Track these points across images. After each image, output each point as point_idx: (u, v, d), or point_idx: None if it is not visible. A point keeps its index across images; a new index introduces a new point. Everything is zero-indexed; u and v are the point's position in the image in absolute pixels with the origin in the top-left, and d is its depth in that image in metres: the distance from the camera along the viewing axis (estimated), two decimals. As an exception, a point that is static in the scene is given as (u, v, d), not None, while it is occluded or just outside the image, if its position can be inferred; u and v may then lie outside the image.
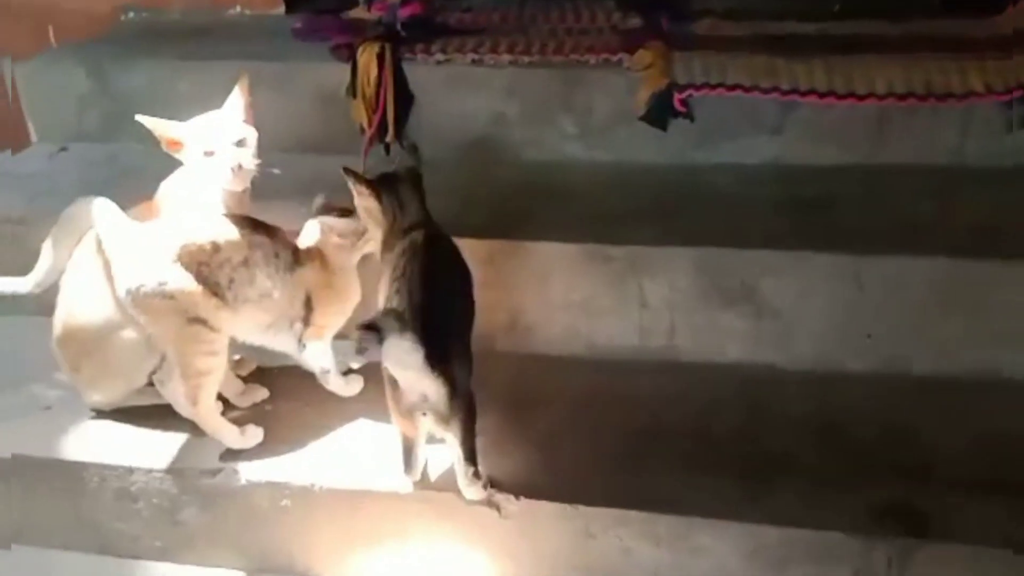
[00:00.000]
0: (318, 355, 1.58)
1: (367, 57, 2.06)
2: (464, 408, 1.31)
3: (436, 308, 1.32)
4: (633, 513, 1.34)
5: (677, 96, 1.87)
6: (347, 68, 2.12)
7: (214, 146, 1.48)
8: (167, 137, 1.50)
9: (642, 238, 1.69)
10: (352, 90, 2.09)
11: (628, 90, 1.99)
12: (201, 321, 1.43)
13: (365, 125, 2.10)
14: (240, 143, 1.50)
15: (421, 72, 2.10)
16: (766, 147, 1.98)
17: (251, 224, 1.50)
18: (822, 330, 1.65)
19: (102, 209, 1.47)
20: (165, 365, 1.53)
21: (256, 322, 1.52)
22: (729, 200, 1.85)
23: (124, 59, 2.35)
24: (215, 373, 1.47)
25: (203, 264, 1.44)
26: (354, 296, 1.59)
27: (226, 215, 1.52)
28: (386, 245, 1.46)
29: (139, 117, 1.49)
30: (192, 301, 1.42)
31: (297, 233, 1.55)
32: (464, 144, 2.09)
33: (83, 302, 1.56)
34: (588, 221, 1.79)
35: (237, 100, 1.54)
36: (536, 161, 2.09)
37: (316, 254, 1.54)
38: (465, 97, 2.11)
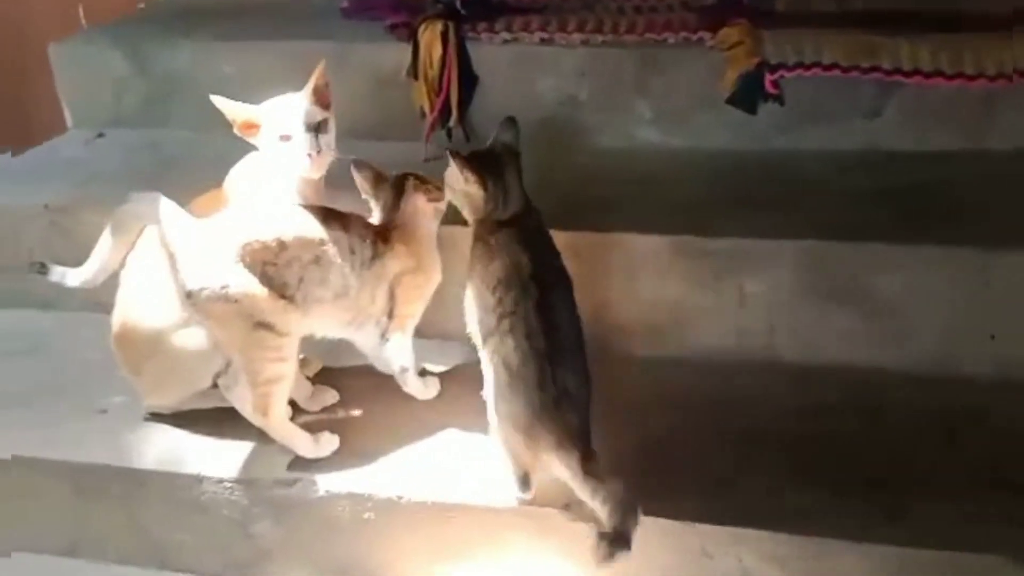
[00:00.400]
0: (400, 350, 1.48)
1: (430, 36, 1.95)
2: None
3: (564, 357, 1.24)
4: (756, 532, 1.24)
5: (768, 77, 1.76)
6: (404, 48, 2.02)
7: (291, 130, 1.38)
8: (241, 119, 1.40)
9: (741, 230, 1.58)
10: (414, 71, 1.98)
11: (710, 71, 1.88)
12: (268, 326, 1.32)
13: (427, 108, 1.99)
14: (319, 127, 1.40)
15: (485, 52, 2.00)
16: (860, 132, 1.87)
17: (323, 216, 1.40)
18: (940, 330, 1.54)
19: (163, 205, 1.37)
20: (231, 370, 1.43)
21: (333, 320, 1.43)
22: (827, 189, 1.74)
23: (163, 40, 2.25)
24: (285, 380, 1.37)
25: (268, 264, 1.33)
26: (436, 275, 1.49)
27: (295, 206, 1.42)
28: (478, 237, 1.35)
29: (213, 98, 1.39)
30: (257, 305, 1.32)
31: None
32: (532, 129, 1.92)
33: (145, 299, 1.47)
34: (676, 211, 1.69)
35: (316, 85, 1.44)
36: (610, 147, 1.99)
37: (398, 236, 1.44)
38: (533, 79, 2.00)
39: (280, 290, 1.34)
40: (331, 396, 1.57)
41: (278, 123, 1.39)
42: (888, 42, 1.76)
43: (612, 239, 1.62)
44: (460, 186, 1.34)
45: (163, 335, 1.46)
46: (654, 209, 1.70)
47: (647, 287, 1.63)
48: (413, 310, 1.47)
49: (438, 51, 1.94)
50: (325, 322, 1.43)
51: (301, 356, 1.58)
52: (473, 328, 1.34)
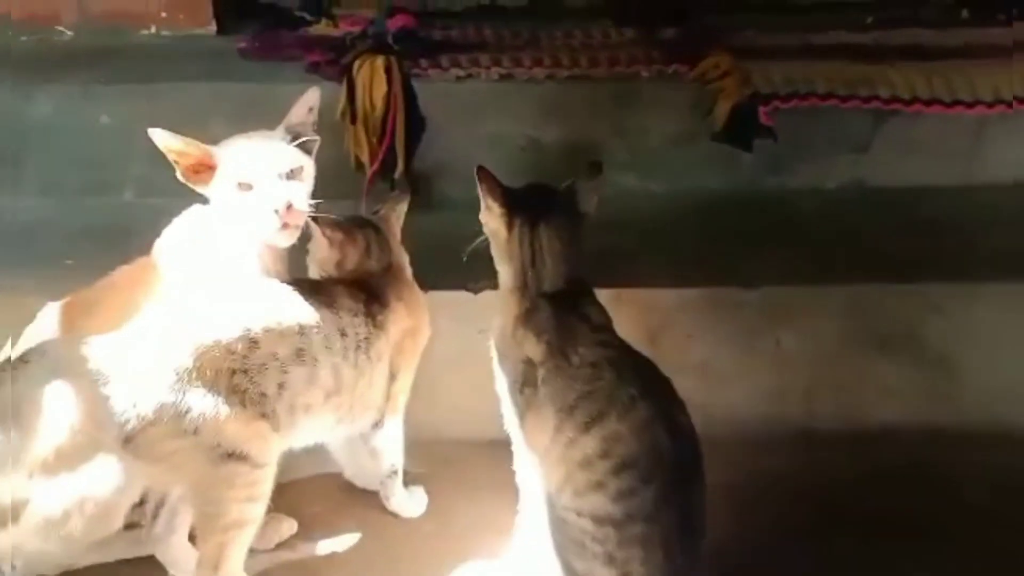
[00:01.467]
0: (392, 441, 1.20)
1: (369, 73, 1.69)
2: None
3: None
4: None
5: (763, 108, 1.63)
6: (327, 89, 1.73)
7: (255, 177, 1.06)
8: (191, 159, 1.07)
9: (775, 278, 1.41)
10: (350, 114, 1.70)
11: (691, 106, 1.74)
12: (239, 457, 1.00)
13: (365, 157, 1.71)
14: (292, 175, 1.08)
15: (432, 91, 1.76)
16: (850, 167, 1.78)
17: (303, 292, 1.08)
18: (993, 376, 1.41)
19: (86, 350, 1.00)
20: (163, 512, 1.06)
21: (322, 426, 1.10)
22: (837, 228, 1.63)
23: (14, 85, 1.85)
24: (253, 524, 1.03)
25: (236, 372, 1.00)
26: (428, 328, 1.23)
27: (257, 281, 1.10)
28: (523, 317, 1.04)
29: (152, 131, 1.06)
30: (224, 432, 0.98)
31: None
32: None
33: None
34: (689, 262, 1.51)
35: (296, 118, 1.14)
36: (582, 195, 1.78)
37: (393, 291, 1.17)
38: (488, 121, 1.78)
39: (257, 406, 1.01)
40: (288, 526, 1.22)
41: (239, 166, 1.07)
42: (878, 70, 1.69)
43: (626, 296, 1.39)
44: (483, 217, 1.07)
45: (58, 466, 1.06)
46: (662, 260, 1.51)
47: (670, 349, 1.40)
48: (409, 382, 1.20)
49: (381, 89, 1.68)
50: (312, 431, 1.10)
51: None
52: (523, 445, 1.05)
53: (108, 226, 1.60)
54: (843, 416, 1.43)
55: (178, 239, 1.15)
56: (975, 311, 1.40)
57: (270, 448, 1.03)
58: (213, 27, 2.21)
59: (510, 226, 1.05)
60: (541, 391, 1.01)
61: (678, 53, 1.81)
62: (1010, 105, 1.66)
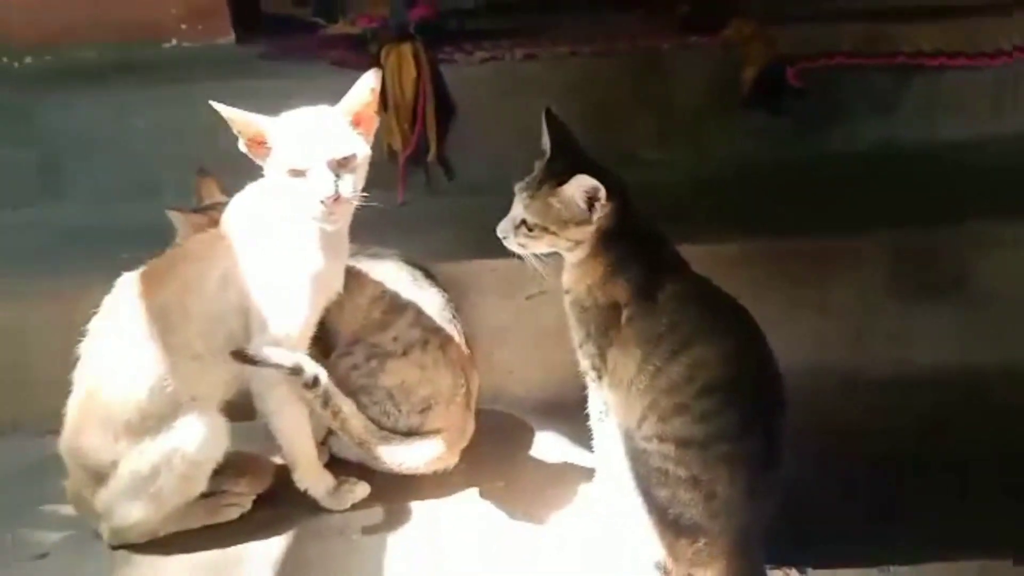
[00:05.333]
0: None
1: (397, 60, 1.78)
2: None
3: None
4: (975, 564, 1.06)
5: (790, 70, 1.71)
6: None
7: (304, 164, 1.09)
8: (250, 132, 1.10)
9: (820, 229, 1.47)
10: (382, 103, 1.78)
11: (717, 75, 1.82)
12: None
13: (398, 144, 1.80)
14: (343, 164, 1.10)
15: (459, 76, 1.84)
16: (878, 128, 1.85)
17: None
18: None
19: None
20: None
21: None
22: (879, 183, 1.67)
23: (49, 99, 1.93)
24: None
25: None
26: None
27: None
28: (612, 268, 1.08)
29: (214, 103, 1.09)
30: None
31: None
32: (521, 161, 1.82)
33: (122, 370, 1.15)
34: (729, 221, 1.55)
35: (355, 100, 1.14)
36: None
37: None
38: (517, 102, 1.85)
39: None
40: (361, 489, 1.29)
41: (290, 150, 1.10)
42: (901, 29, 1.77)
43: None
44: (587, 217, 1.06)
45: (154, 418, 1.13)
46: (703, 221, 1.56)
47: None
48: None
49: (411, 75, 1.76)
50: None
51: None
52: (604, 384, 1.10)
53: (151, 227, 1.67)
54: (891, 361, 1.47)
55: (244, 213, 1.19)
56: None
57: None
58: (232, 37, 2.29)
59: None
60: (626, 330, 1.06)
61: (696, 27, 1.89)
62: (1009, 55, 1.73)
